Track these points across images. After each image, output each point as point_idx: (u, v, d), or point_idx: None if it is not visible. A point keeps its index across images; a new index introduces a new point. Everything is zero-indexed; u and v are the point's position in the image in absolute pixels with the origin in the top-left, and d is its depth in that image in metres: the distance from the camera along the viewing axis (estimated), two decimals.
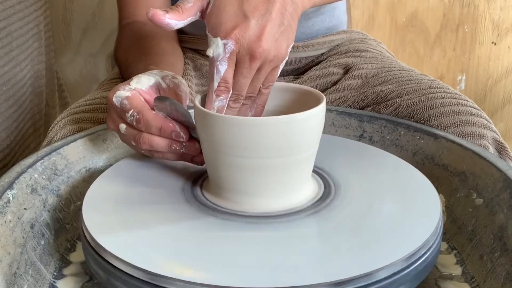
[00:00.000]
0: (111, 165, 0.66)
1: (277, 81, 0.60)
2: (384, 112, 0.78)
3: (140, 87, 0.61)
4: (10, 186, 0.59)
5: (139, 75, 0.63)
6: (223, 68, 0.55)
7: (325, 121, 0.57)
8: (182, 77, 0.87)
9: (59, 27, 1.62)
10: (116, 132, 0.62)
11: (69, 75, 1.68)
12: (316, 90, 0.59)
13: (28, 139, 1.27)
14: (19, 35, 1.20)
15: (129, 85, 0.61)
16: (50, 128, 0.76)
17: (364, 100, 0.82)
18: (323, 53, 0.99)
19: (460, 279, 0.58)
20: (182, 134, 0.58)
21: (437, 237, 0.51)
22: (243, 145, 0.52)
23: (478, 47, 1.69)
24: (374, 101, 0.81)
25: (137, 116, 0.58)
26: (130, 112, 0.59)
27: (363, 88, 0.84)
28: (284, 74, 0.98)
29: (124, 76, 0.85)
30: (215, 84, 0.55)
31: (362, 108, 0.82)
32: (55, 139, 0.73)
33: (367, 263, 0.46)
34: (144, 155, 0.67)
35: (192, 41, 0.98)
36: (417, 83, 0.80)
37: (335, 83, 0.89)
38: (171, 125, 0.58)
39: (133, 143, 0.60)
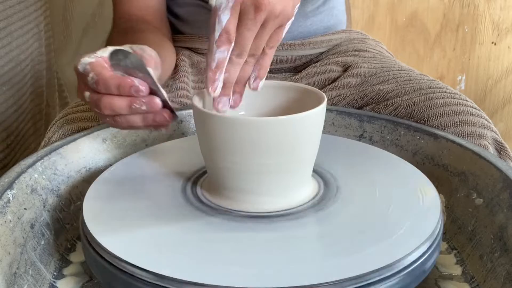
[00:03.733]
0: (111, 165, 0.66)
1: (275, 80, 0.60)
2: (384, 112, 0.78)
3: (106, 55, 0.59)
4: (10, 186, 0.59)
5: (107, 46, 0.61)
6: (226, 18, 0.53)
7: (325, 121, 0.57)
8: (179, 74, 0.87)
9: (59, 27, 1.62)
10: (86, 102, 0.60)
11: (69, 75, 1.67)
12: (317, 89, 0.59)
13: (29, 139, 1.27)
14: (19, 35, 1.20)
15: (95, 53, 0.59)
16: (48, 128, 0.76)
17: (363, 98, 0.82)
18: (322, 52, 0.99)
19: (460, 279, 0.58)
20: (141, 87, 0.55)
21: (437, 237, 0.51)
22: (244, 145, 0.52)
23: (478, 47, 1.69)
24: (373, 100, 0.81)
25: (96, 78, 0.56)
26: (90, 75, 0.57)
27: (362, 86, 0.84)
28: (282, 72, 0.98)
29: None
30: (216, 34, 0.53)
31: (360, 107, 0.82)
32: (53, 138, 0.73)
33: (366, 263, 0.46)
34: (144, 155, 0.67)
35: (189, 40, 0.98)
36: (417, 83, 0.80)
37: (334, 80, 0.89)
38: (129, 80, 0.56)
39: (97, 110, 0.58)
